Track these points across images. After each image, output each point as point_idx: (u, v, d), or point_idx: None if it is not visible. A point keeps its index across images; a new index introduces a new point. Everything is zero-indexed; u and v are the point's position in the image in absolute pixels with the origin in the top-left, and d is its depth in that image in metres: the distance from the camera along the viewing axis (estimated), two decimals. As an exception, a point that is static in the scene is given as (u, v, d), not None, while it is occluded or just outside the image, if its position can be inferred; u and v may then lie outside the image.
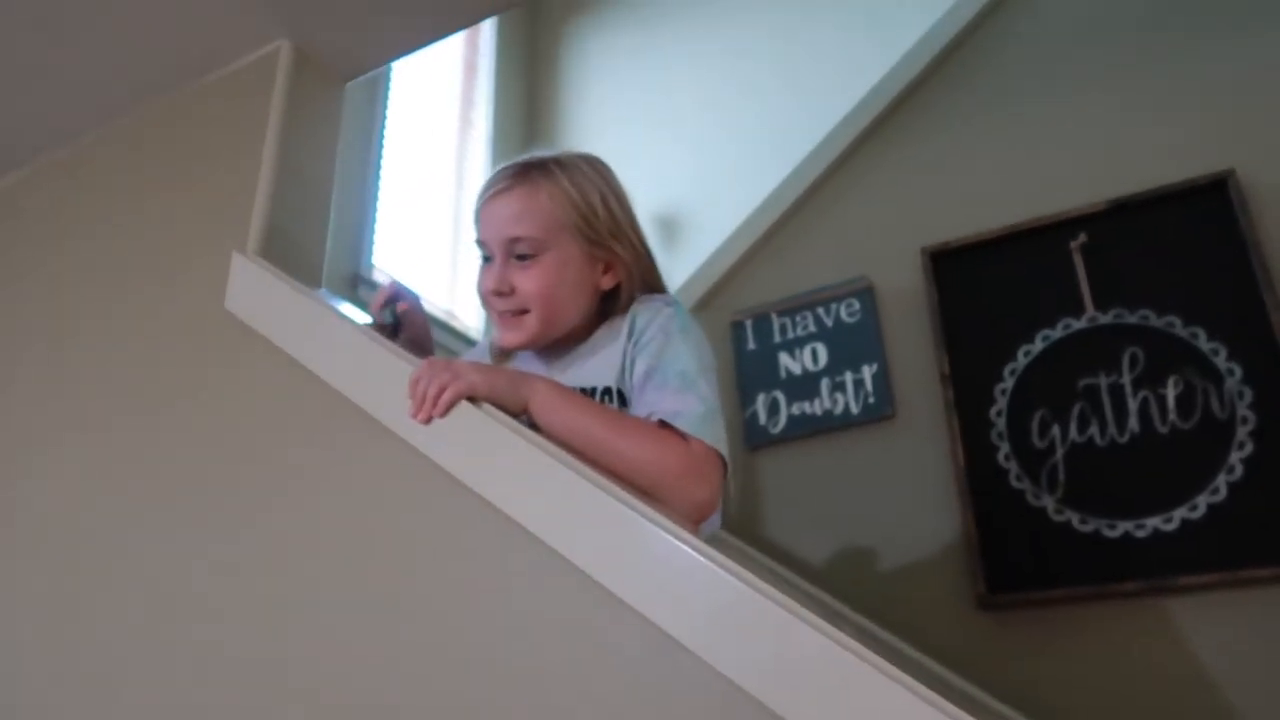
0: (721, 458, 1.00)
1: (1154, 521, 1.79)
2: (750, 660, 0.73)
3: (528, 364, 1.16)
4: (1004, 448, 1.97)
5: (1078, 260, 2.01)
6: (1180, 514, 1.77)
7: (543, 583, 0.85)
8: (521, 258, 1.09)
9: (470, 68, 3.15)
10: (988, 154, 2.24)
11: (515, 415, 0.97)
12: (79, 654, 1.17)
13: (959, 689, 1.79)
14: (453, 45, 3.06)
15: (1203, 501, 1.76)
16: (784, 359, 2.29)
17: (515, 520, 0.88)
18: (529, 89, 3.35)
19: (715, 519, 1.10)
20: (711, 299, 2.46)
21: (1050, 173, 2.13)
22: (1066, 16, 2.28)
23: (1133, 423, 1.87)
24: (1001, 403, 2.00)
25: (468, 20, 1.52)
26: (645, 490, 0.93)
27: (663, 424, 0.99)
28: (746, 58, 2.89)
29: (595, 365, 1.10)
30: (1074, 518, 1.86)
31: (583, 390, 1.07)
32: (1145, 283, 1.94)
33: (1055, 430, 1.93)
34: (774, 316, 2.34)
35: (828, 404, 2.20)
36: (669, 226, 2.79)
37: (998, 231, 2.12)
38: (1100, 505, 1.84)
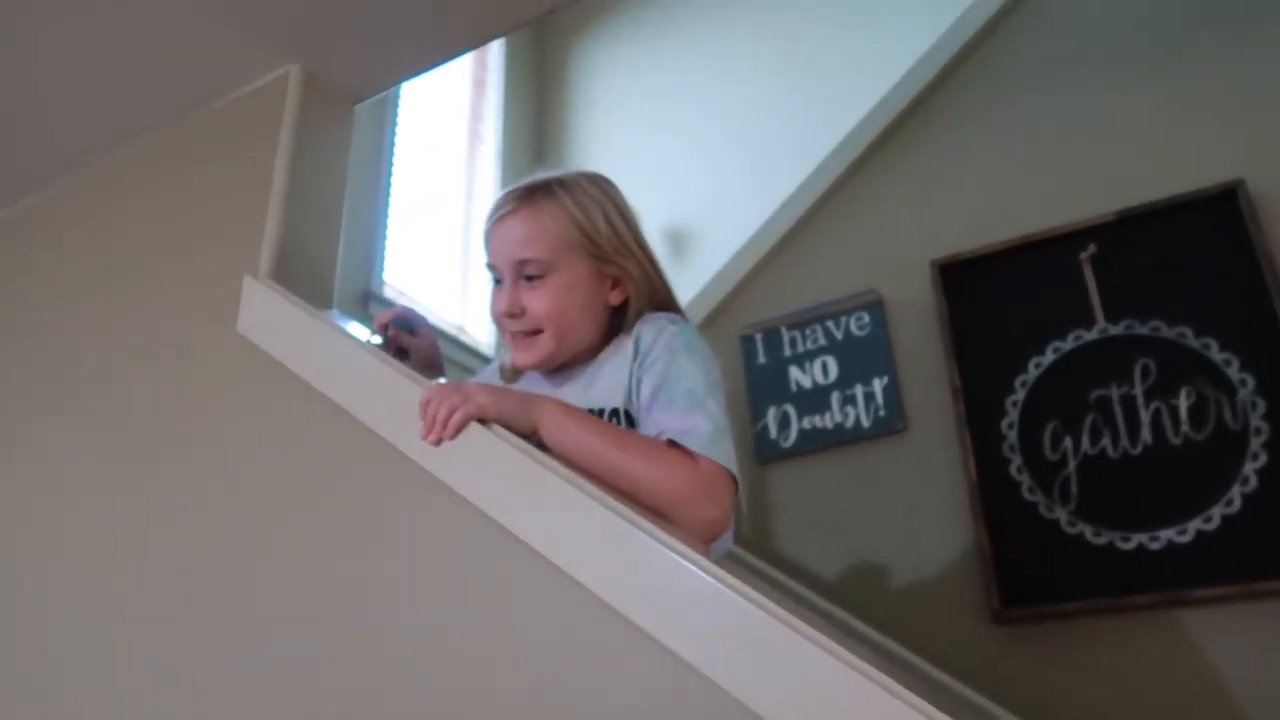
0: (731, 476, 1.00)
1: (1168, 534, 1.78)
2: (761, 683, 0.73)
3: (535, 385, 1.16)
4: (1016, 460, 1.96)
5: (1088, 271, 2.01)
6: (1195, 526, 1.76)
7: (552, 604, 0.86)
8: (530, 279, 1.10)
9: (479, 84, 3.17)
10: (996, 165, 2.24)
11: (525, 436, 0.98)
12: (101, 671, 1.18)
13: (973, 703, 1.78)
14: (462, 62, 3.07)
15: (1217, 513, 1.75)
16: (794, 372, 2.29)
17: (525, 542, 0.88)
18: (538, 105, 3.36)
19: (727, 538, 1.10)
20: (721, 313, 2.46)
21: (1059, 183, 2.13)
22: (1074, 27, 2.28)
23: (1145, 434, 1.86)
24: (1013, 415, 1.99)
25: (475, 41, 1.53)
26: (655, 510, 0.93)
27: (671, 444, 0.99)
28: (755, 73, 2.90)
29: (602, 386, 1.10)
30: (1087, 530, 1.85)
31: (591, 412, 1.07)
32: (1156, 293, 1.94)
33: (1067, 442, 1.92)
34: (784, 330, 2.34)
35: (838, 417, 2.20)
36: (678, 240, 2.80)
37: (1007, 243, 2.11)
38: (1114, 517, 1.83)
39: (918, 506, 2.04)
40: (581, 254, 1.11)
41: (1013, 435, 1.98)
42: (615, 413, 1.07)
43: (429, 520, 0.98)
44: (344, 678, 0.96)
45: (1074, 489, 1.89)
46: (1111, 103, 2.14)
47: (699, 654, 0.76)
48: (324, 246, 1.43)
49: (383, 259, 2.47)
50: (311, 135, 1.45)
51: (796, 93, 2.75)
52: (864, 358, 2.22)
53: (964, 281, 2.14)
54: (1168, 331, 1.90)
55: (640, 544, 0.82)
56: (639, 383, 1.06)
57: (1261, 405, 1.78)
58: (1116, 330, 1.95)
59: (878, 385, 2.18)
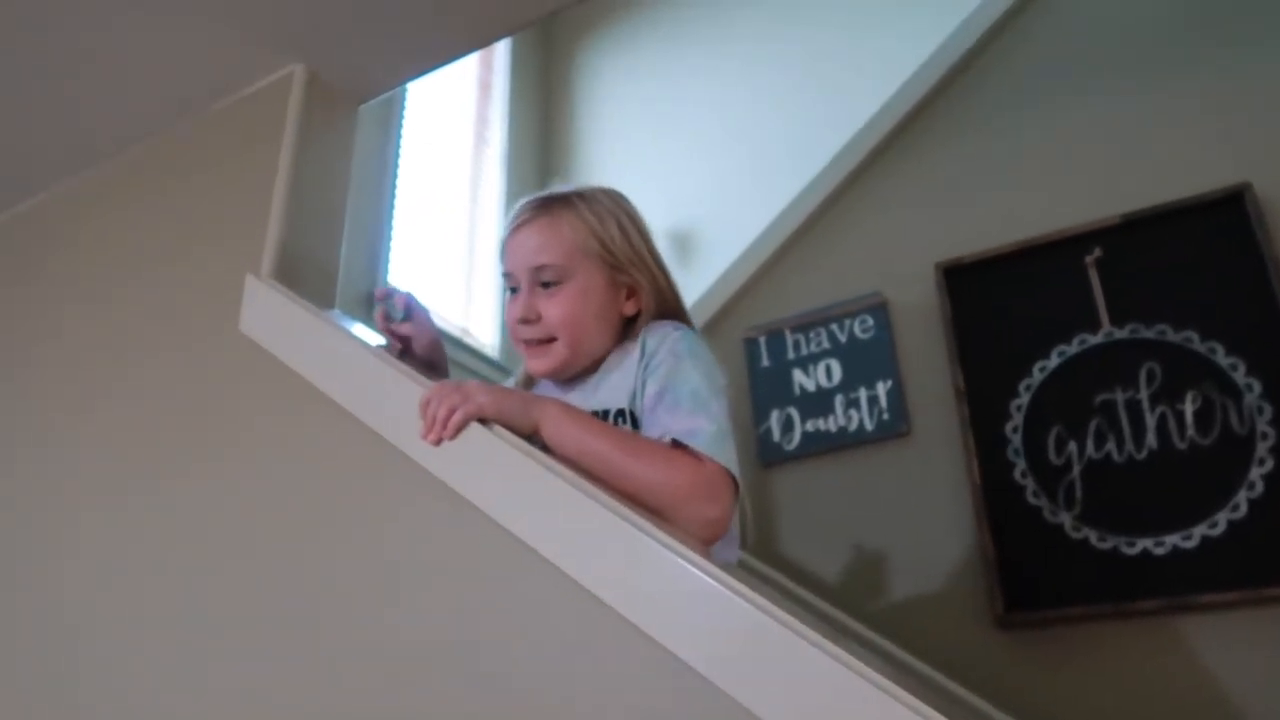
0: (733, 478, 1.00)
1: (1173, 539, 1.77)
2: (762, 686, 0.73)
3: (546, 391, 1.17)
4: (1020, 464, 1.95)
5: (1093, 275, 2.00)
6: (1200, 531, 1.75)
7: (553, 605, 0.85)
8: (546, 285, 1.12)
9: (485, 87, 3.17)
10: (1001, 168, 2.23)
11: (526, 437, 0.98)
12: (103, 671, 1.18)
13: (977, 709, 1.77)
14: (467, 65, 3.08)
15: (1223, 518, 1.74)
16: (798, 375, 2.28)
17: (526, 542, 0.88)
18: (543, 107, 3.37)
19: (734, 547, 1.11)
20: (725, 316, 2.45)
21: (1064, 187, 2.12)
22: (1080, 31, 2.27)
23: (1151, 439, 1.85)
24: (1017, 419, 1.99)
25: (479, 42, 1.53)
26: (656, 510, 0.94)
27: (675, 444, 0.99)
28: (759, 75, 2.90)
29: (608, 389, 1.12)
30: (1092, 535, 1.84)
31: (596, 413, 1.07)
32: (1162, 297, 1.93)
33: (1072, 447, 1.91)
34: (788, 333, 2.33)
35: (842, 421, 2.19)
36: (683, 243, 2.80)
37: (1012, 246, 2.10)
38: (1119, 522, 1.82)
39: (921, 510, 2.03)
40: (598, 263, 1.13)
41: (1017, 439, 1.97)
42: (621, 413, 1.08)
43: (429, 521, 0.98)
44: (344, 677, 0.96)
45: (1079, 493, 1.88)
46: (1117, 106, 2.13)
47: (699, 656, 0.76)
48: (327, 247, 1.43)
49: (387, 261, 2.47)
50: (315, 136, 1.46)
51: (801, 96, 2.75)
52: (868, 361, 2.21)
53: (969, 285, 2.14)
54: (1173, 335, 1.89)
55: (641, 545, 0.82)
56: (643, 384, 1.07)
57: (1268, 410, 1.77)
58: (1122, 334, 1.94)
59: (881, 388, 2.17)
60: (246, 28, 1.42)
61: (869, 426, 2.16)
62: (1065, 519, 1.87)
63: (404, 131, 2.67)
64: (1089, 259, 2.01)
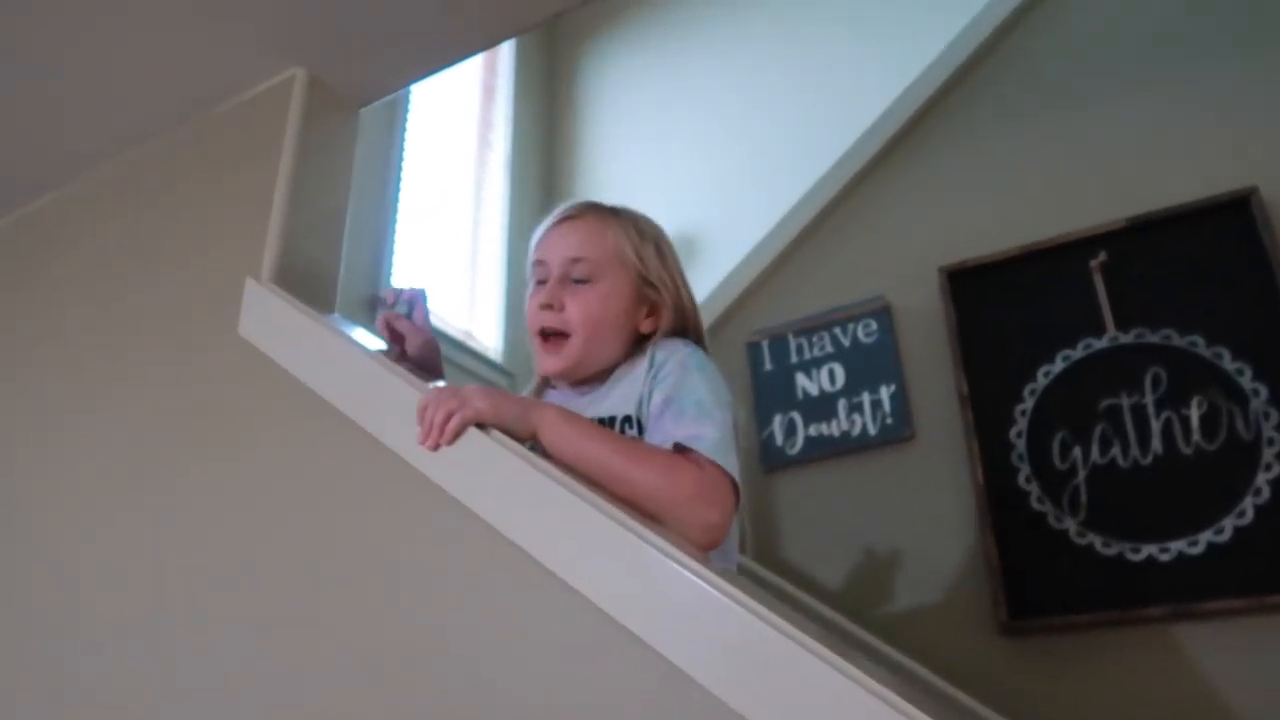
0: (734, 484, 1.01)
1: (1179, 545, 1.75)
2: (761, 695, 0.72)
3: (556, 400, 1.18)
4: (1024, 469, 1.94)
5: (1098, 279, 1.99)
6: (1206, 537, 1.74)
7: (550, 613, 0.85)
8: (578, 281, 1.15)
9: (489, 91, 3.17)
10: (1006, 172, 2.22)
11: (524, 442, 0.97)
12: (101, 675, 1.17)
13: (980, 716, 1.76)
14: (471, 69, 3.08)
15: (1229, 524, 1.73)
16: (801, 380, 2.27)
17: (522, 548, 0.88)
18: (548, 111, 3.36)
19: (733, 554, 1.10)
20: (728, 320, 2.45)
21: (1069, 190, 2.11)
22: (1085, 33, 2.26)
23: (1156, 444, 1.84)
24: (1021, 424, 1.97)
25: (481, 45, 1.53)
26: (655, 515, 0.94)
27: (678, 448, 1.00)
28: (764, 78, 2.89)
29: (616, 397, 1.13)
30: (1097, 541, 1.82)
31: (602, 420, 1.08)
32: (1167, 302, 1.92)
33: (1076, 452, 1.90)
34: (791, 337, 2.33)
35: (845, 425, 2.18)
36: (687, 247, 2.78)
37: (1016, 250, 2.10)
38: (1123, 528, 1.81)
39: (924, 515, 2.02)
40: (630, 272, 1.17)
41: (1021, 444, 1.96)
42: (628, 419, 1.09)
43: (426, 526, 0.97)
44: (339, 679, 0.95)
45: (1083, 499, 1.87)
46: (1123, 109, 2.12)
47: (698, 664, 0.75)
48: (327, 250, 1.43)
49: (390, 265, 2.47)
50: (316, 139, 1.45)
51: (805, 99, 2.74)
52: (871, 365, 2.20)
53: (973, 289, 2.13)
54: (1179, 340, 1.88)
55: (641, 552, 0.81)
56: (650, 394, 1.09)
57: (1274, 415, 1.76)
58: (1127, 339, 1.93)
59: (885, 393, 2.16)
60: (246, 31, 1.42)
61: (872, 431, 2.15)
62: (1070, 525, 1.86)
63: (407, 135, 2.67)
64: (1094, 263, 2.00)
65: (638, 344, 1.18)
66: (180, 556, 1.18)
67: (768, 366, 2.33)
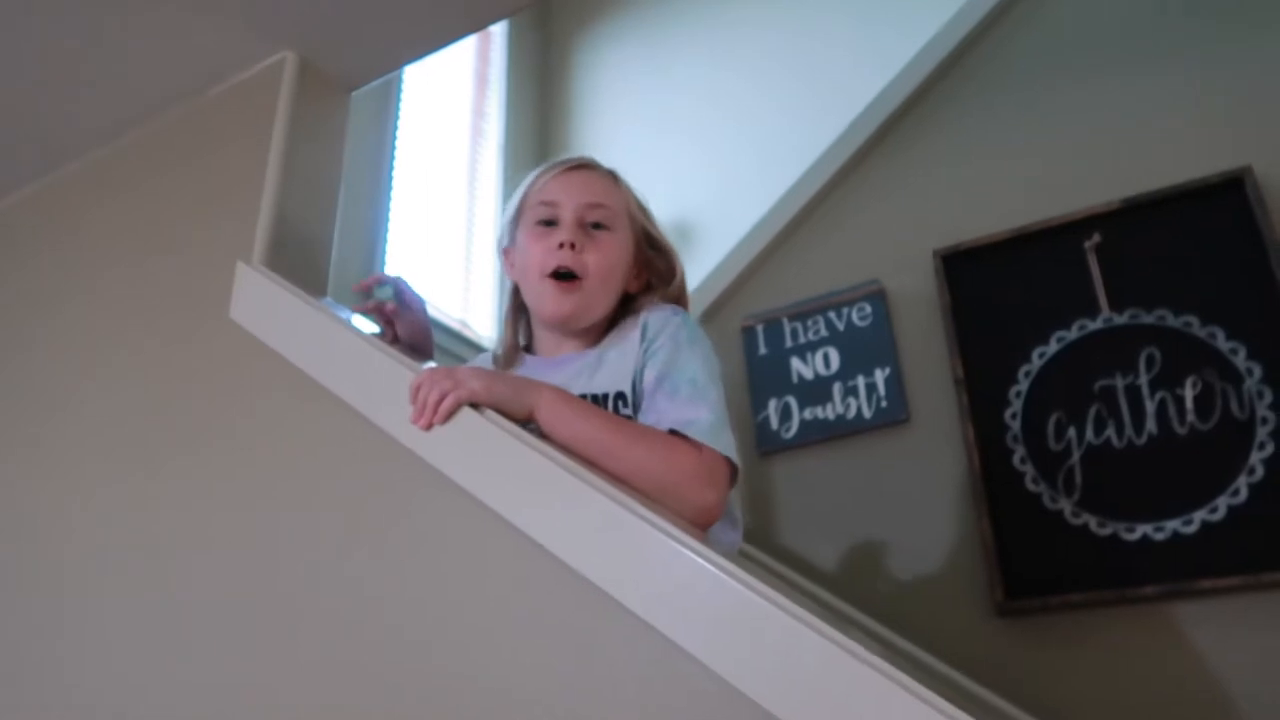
0: (732, 465, 1.01)
1: (1173, 524, 1.76)
2: (758, 669, 0.72)
3: (533, 370, 1.16)
4: (1019, 451, 1.94)
5: (1092, 260, 1.99)
6: (1200, 516, 1.74)
7: (546, 590, 0.85)
8: (596, 226, 1.16)
9: (482, 79, 3.16)
10: (1000, 154, 2.22)
11: (519, 422, 0.97)
12: (95, 666, 1.17)
13: (976, 695, 1.77)
14: (463, 56, 3.07)
15: (1223, 503, 1.73)
16: (796, 364, 2.27)
17: (518, 527, 0.88)
18: (541, 99, 3.35)
19: (738, 533, 1.11)
20: (722, 304, 2.45)
21: (1063, 172, 2.11)
22: (1078, 15, 2.26)
23: (1150, 424, 1.84)
24: (1016, 405, 1.98)
25: (472, 26, 1.51)
26: (651, 495, 0.93)
27: (674, 432, 1.00)
28: (759, 64, 2.88)
29: (607, 371, 1.12)
30: (1092, 521, 1.83)
31: (594, 397, 1.07)
32: (1161, 282, 1.92)
33: (1071, 432, 1.91)
34: (785, 321, 2.32)
35: (840, 409, 2.18)
36: (683, 232, 2.78)
37: (1010, 232, 2.09)
38: (1118, 508, 1.81)
39: (920, 498, 2.02)
40: (635, 230, 1.19)
41: (1016, 426, 1.96)
42: (620, 396, 1.09)
43: (420, 506, 0.97)
44: (335, 662, 0.95)
45: (1078, 479, 1.87)
46: (1116, 90, 2.12)
47: (696, 640, 0.75)
48: (319, 234, 1.42)
49: (384, 252, 2.46)
50: (306, 123, 1.45)
51: (801, 83, 2.73)
52: (866, 348, 2.20)
53: (967, 271, 2.13)
54: (1173, 320, 1.88)
55: (636, 529, 0.81)
56: (643, 369, 1.08)
57: (1268, 395, 1.76)
58: (1121, 319, 1.93)
59: (880, 376, 2.16)
60: (236, 14, 1.41)
61: (867, 414, 2.15)
62: (1065, 505, 1.86)
63: (400, 125, 2.66)
64: (1088, 244, 2.00)
65: (622, 304, 1.19)
66: (172, 540, 1.18)
67: (763, 351, 2.33)
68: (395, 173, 2.59)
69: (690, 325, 1.12)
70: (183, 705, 1.05)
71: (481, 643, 0.87)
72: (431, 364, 1.15)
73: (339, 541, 1.02)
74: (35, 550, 1.34)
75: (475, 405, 0.96)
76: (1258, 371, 1.78)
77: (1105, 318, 1.95)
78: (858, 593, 2.00)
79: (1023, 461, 1.93)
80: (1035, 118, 2.20)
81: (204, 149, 1.51)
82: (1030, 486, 1.91)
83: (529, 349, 1.25)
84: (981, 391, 2.02)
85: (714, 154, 2.85)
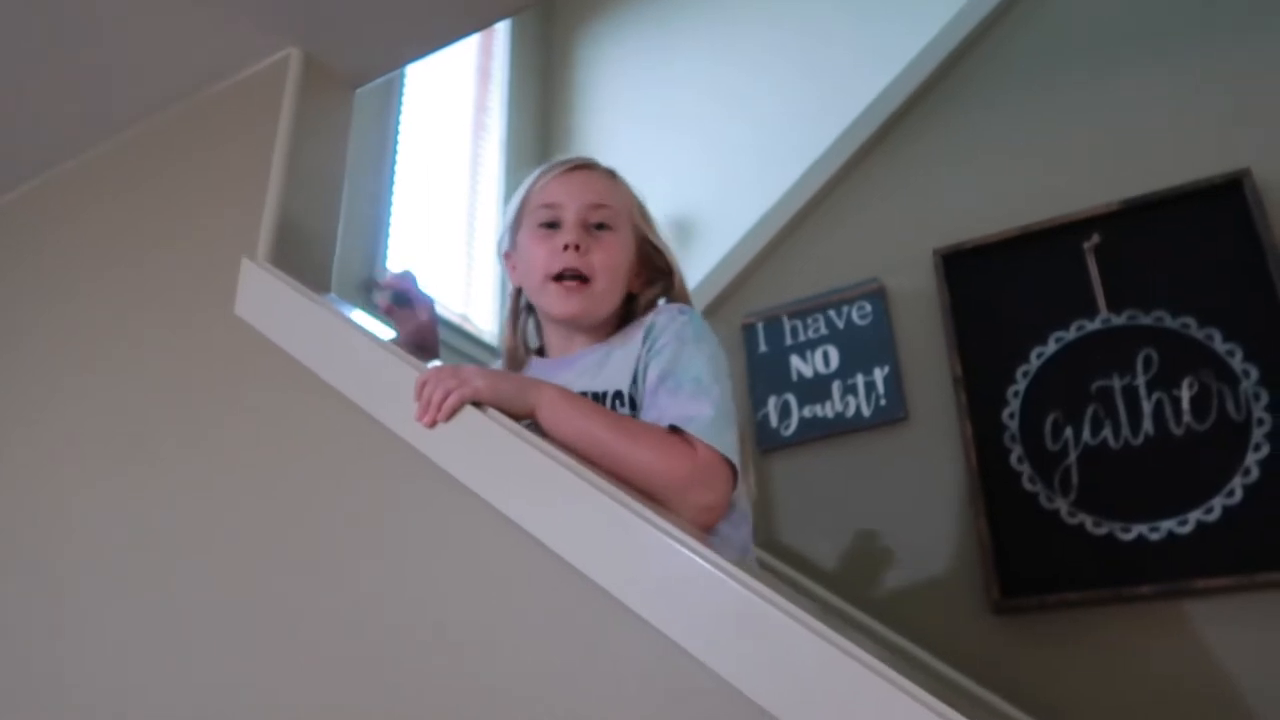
0: (730, 464, 1.00)
1: (1169, 524, 1.77)
2: (756, 667, 0.72)
3: (541, 371, 1.17)
4: (1017, 450, 1.95)
5: (1091, 261, 2.00)
6: (1195, 517, 1.75)
7: (546, 588, 0.85)
8: (600, 227, 1.16)
9: (485, 74, 3.16)
10: (1000, 155, 2.22)
11: (522, 421, 0.98)
12: (94, 662, 1.18)
13: (972, 694, 1.78)
14: (466, 52, 3.07)
15: (1218, 504, 1.74)
16: (795, 362, 2.28)
17: (519, 525, 0.88)
18: (543, 94, 3.35)
19: (748, 529, 1.11)
20: (723, 302, 2.45)
21: (1063, 173, 2.12)
22: (1079, 15, 2.26)
23: (1147, 425, 1.85)
24: (1014, 405, 1.99)
25: (477, 24, 1.52)
26: (652, 495, 0.93)
27: (673, 429, 0.99)
28: (762, 61, 2.89)
29: (611, 369, 1.12)
30: (1088, 520, 1.84)
31: (594, 395, 1.07)
32: (1160, 283, 1.92)
33: (1068, 433, 1.92)
34: (785, 319, 2.33)
35: (839, 407, 2.19)
36: (684, 229, 2.79)
37: (1010, 232, 2.10)
38: (1114, 508, 1.82)
39: (918, 496, 2.03)
40: (635, 231, 1.20)
41: (1014, 425, 1.97)
42: (619, 395, 1.08)
43: (422, 503, 0.98)
44: (336, 658, 0.96)
45: (1075, 479, 1.88)
46: (1116, 91, 2.13)
47: (694, 638, 0.76)
48: (323, 230, 1.43)
49: (386, 247, 2.47)
50: (311, 119, 1.45)
51: (802, 81, 2.73)
52: (865, 347, 2.21)
53: (967, 271, 2.13)
54: (1171, 322, 1.89)
55: (635, 528, 0.82)
56: (646, 367, 1.08)
57: (1264, 396, 1.77)
58: (1119, 320, 1.94)
59: (879, 375, 2.17)
60: (241, 11, 1.42)
61: (866, 413, 2.15)
62: (1061, 505, 1.87)
63: (403, 120, 2.66)
64: (1087, 245, 2.01)
65: (625, 302, 1.20)
66: (173, 536, 1.18)
67: (763, 349, 2.34)
68: (397, 168, 2.59)
69: (696, 323, 1.12)
70: (183, 705, 1.05)
71: (482, 641, 0.88)
72: (437, 362, 1.16)
73: (341, 538, 1.03)
74: (35, 546, 1.34)
75: (479, 403, 0.96)
76: (1254, 373, 1.79)
77: (1103, 318, 1.96)
78: (855, 590, 2.01)
79: (1020, 461, 1.94)
80: (1036, 118, 2.21)
81: (209, 145, 1.51)
82: (1027, 486, 1.92)
83: (541, 352, 1.25)
84: (980, 391, 2.03)
85: (715, 151, 2.86)
